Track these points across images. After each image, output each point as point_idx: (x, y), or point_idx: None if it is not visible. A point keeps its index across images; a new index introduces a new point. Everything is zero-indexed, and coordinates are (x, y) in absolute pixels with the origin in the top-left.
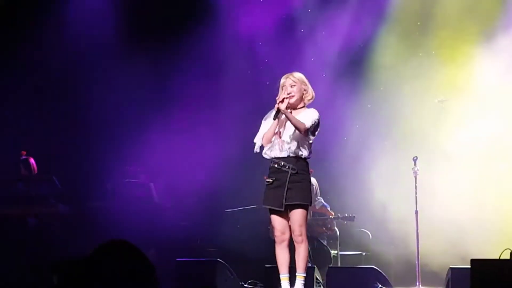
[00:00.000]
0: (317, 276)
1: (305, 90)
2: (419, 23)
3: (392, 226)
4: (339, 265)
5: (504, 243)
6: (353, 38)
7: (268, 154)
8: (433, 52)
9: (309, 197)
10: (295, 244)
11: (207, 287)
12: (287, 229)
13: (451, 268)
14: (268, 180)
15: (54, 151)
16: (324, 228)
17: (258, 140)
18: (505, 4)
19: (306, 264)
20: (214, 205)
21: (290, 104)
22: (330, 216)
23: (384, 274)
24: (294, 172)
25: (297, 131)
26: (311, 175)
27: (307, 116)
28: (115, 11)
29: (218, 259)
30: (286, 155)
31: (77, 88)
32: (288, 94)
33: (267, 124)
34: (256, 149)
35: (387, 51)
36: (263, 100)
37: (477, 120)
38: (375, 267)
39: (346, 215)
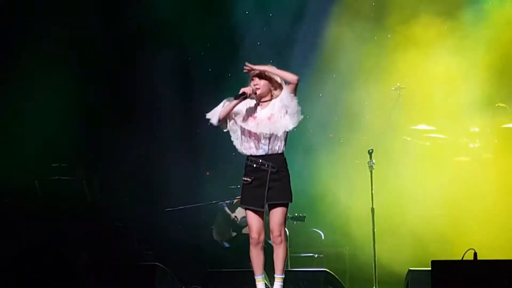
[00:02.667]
0: (265, 281)
1: (276, 83)
2: (373, 4)
3: (346, 225)
4: (289, 268)
5: (467, 243)
6: (304, 21)
7: (244, 152)
8: (388, 35)
9: (289, 195)
10: (274, 245)
11: None
12: (263, 230)
13: (411, 270)
14: (246, 179)
15: None
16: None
17: (212, 115)
18: None
19: (285, 265)
20: (153, 203)
21: (257, 95)
22: None
23: (337, 277)
24: (274, 170)
25: (274, 125)
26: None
27: (284, 93)
28: None
29: (157, 263)
30: (263, 153)
31: None
32: (255, 85)
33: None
34: (213, 122)
35: (340, 34)
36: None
37: (438, 109)
38: (327, 270)
39: (295, 214)
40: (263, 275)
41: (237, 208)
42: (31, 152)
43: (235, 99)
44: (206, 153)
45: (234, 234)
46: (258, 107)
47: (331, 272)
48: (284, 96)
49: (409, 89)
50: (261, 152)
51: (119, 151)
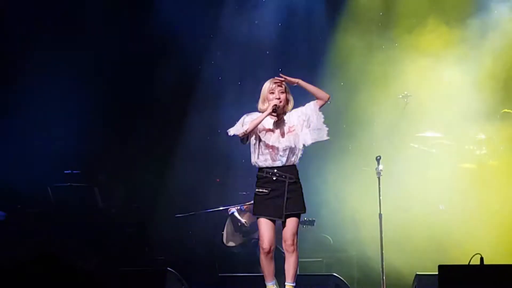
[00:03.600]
0: (275, 286)
1: (288, 99)
2: (381, 13)
3: (354, 230)
4: (298, 273)
5: (474, 248)
6: (312, 29)
7: (258, 164)
8: (396, 44)
9: (304, 206)
10: (286, 253)
11: None
12: (274, 240)
13: (418, 275)
14: (262, 190)
15: None
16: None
17: (236, 131)
18: None
19: (296, 273)
20: (164, 209)
21: (279, 108)
22: None
23: (346, 282)
24: (292, 181)
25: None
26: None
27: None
28: None
29: (168, 268)
30: (280, 165)
31: None
32: (278, 98)
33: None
34: (232, 132)
35: (348, 43)
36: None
37: (444, 116)
38: (336, 275)
39: (305, 219)
40: (274, 281)
41: (246, 213)
42: (44, 158)
43: (272, 112)
44: (216, 160)
45: (244, 239)
46: (273, 121)
47: (339, 277)
48: (310, 110)
49: (416, 97)
50: (278, 163)
51: (129, 158)
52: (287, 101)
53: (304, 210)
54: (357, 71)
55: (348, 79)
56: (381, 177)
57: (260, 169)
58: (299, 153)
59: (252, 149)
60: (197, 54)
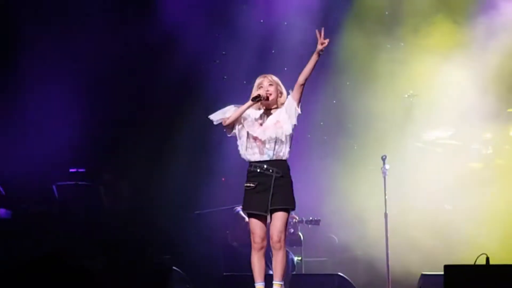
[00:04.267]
0: None
1: (280, 92)
2: (386, 13)
3: (360, 229)
4: (303, 272)
5: (479, 248)
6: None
7: (247, 158)
8: (402, 43)
9: (293, 202)
10: (273, 250)
11: None
12: (266, 236)
13: (423, 275)
14: (249, 185)
15: None
16: (287, 233)
17: (215, 116)
18: None
19: (284, 271)
20: (169, 208)
21: (267, 102)
22: (294, 220)
23: (350, 281)
24: (278, 175)
25: (279, 130)
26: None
27: (290, 101)
28: None
29: (174, 267)
30: (268, 159)
31: None
32: (266, 91)
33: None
34: (213, 117)
35: (354, 42)
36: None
37: (450, 115)
38: (341, 274)
39: (310, 218)
40: (264, 282)
41: None
42: (49, 157)
43: (252, 101)
44: (221, 159)
45: (248, 238)
46: (265, 115)
47: (344, 276)
48: (288, 100)
49: (422, 96)
50: (265, 157)
51: (134, 157)
52: (277, 93)
53: (292, 205)
54: (363, 70)
55: (354, 79)
56: (386, 176)
57: (250, 163)
58: (286, 148)
59: (239, 141)
60: (202, 53)
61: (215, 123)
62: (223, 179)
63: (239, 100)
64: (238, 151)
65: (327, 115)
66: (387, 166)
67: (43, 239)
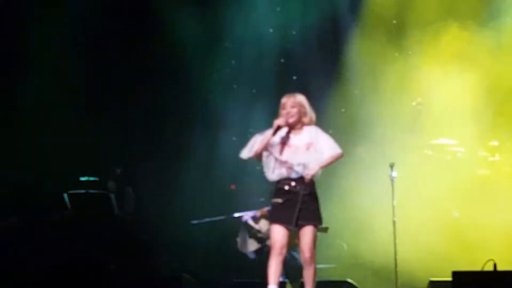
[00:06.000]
0: None
1: (304, 113)
2: (394, 22)
3: (368, 236)
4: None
5: (487, 255)
6: (326, 38)
7: (274, 179)
8: (409, 52)
9: (320, 217)
10: (304, 264)
11: None
12: (287, 246)
13: (431, 281)
14: (277, 200)
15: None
16: (296, 240)
17: (247, 151)
18: None
19: (314, 283)
20: (180, 216)
21: (289, 123)
22: None
23: None
24: (306, 193)
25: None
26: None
27: (327, 142)
28: None
29: (184, 274)
30: (296, 177)
31: None
32: (287, 113)
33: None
34: (242, 156)
35: (362, 51)
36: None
37: (458, 123)
38: (350, 281)
39: (318, 226)
40: (277, 285)
41: (261, 220)
42: (61, 165)
43: (273, 134)
44: (231, 167)
45: (258, 245)
46: (291, 135)
47: (353, 283)
48: (327, 146)
49: (430, 104)
50: (293, 175)
51: (146, 165)
52: (300, 115)
53: (320, 222)
54: (371, 79)
55: (362, 87)
56: (394, 184)
57: (277, 180)
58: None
59: (266, 165)
60: (211, 62)
61: (242, 157)
62: (232, 186)
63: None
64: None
65: (336, 123)
66: (394, 173)
67: (55, 248)
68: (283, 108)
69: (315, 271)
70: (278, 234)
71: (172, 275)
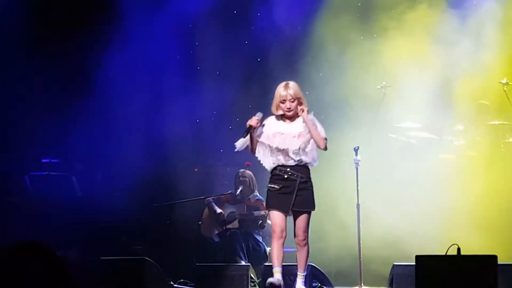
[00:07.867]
0: (252, 275)
1: (301, 103)
2: (359, 4)
3: (332, 220)
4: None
5: (450, 239)
6: (290, 20)
7: (272, 167)
8: (375, 35)
9: (313, 204)
10: (298, 246)
11: (133, 287)
12: (285, 228)
13: (395, 265)
14: (274, 186)
15: None
16: (258, 224)
17: (238, 144)
18: None
19: (306, 264)
20: (142, 199)
21: (289, 115)
22: (264, 212)
23: (323, 272)
24: (303, 180)
25: (307, 144)
26: (247, 168)
27: (318, 127)
28: None
29: (146, 258)
30: (293, 164)
31: None
32: (287, 109)
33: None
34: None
35: (326, 34)
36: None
37: (423, 107)
38: (313, 265)
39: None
40: (281, 268)
41: (223, 204)
42: (21, 147)
43: (244, 137)
44: (194, 149)
45: (220, 229)
46: (284, 123)
47: (316, 266)
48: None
49: (394, 88)
50: (290, 162)
51: (108, 147)
52: (298, 105)
53: (313, 207)
54: (336, 61)
55: (327, 70)
56: (359, 167)
57: (275, 167)
58: (311, 155)
59: (263, 156)
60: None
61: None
62: (195, 169)
63: (211, 88)
64: (212, 141)
65: None
66: (359, 157)
67: (16, 230)
68: (283, 101)
69: (308, 253)
70: (278, 217)
71: (134, 258)
